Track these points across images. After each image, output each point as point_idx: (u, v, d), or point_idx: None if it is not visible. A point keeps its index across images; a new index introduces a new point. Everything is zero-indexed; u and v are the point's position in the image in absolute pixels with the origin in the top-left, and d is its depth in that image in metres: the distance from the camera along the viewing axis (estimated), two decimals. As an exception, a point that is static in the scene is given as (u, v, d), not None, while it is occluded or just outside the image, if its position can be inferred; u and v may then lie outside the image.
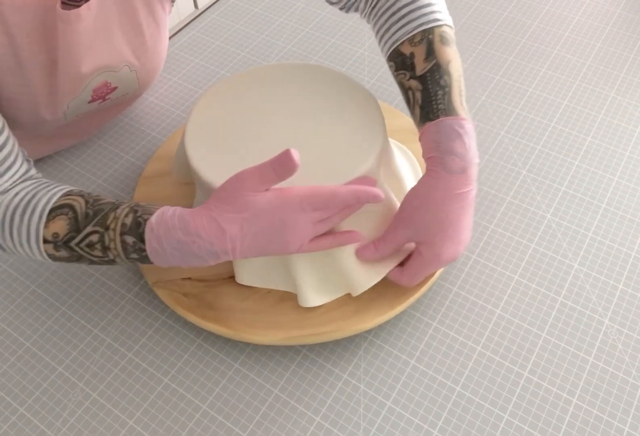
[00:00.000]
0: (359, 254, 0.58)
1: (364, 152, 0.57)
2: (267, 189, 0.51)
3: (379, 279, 0.59)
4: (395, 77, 0.61)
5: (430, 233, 0.55)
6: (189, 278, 0.63)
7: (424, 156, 0.57)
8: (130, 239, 0.52)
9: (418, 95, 0.58)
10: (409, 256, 0.61)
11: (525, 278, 0.66)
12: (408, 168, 0.69)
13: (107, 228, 0.52)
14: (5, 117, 0.63)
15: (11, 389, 0.59)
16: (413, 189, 0.57)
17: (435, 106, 0.56)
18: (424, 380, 0.59)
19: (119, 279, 0.66)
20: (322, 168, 0.56)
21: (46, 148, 0.75)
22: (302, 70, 0.64)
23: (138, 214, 0.52)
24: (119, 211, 0.53)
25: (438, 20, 0.59)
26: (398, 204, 0.61)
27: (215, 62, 0.88)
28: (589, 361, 0.60)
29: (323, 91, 0.62)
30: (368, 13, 0.65)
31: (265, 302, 0.61)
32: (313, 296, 0.59)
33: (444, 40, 0.58)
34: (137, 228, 0.51)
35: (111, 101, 0.70)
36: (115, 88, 0.68)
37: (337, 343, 0.62)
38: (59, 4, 0.54)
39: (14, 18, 0.54)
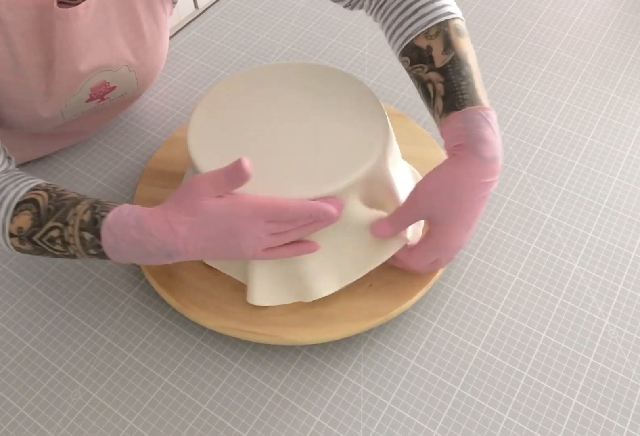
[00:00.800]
0: (373, 231, 0.58)
1: (366, 151, 0.57)
2: (220, 196, 0.51)
3: (338, 288, 0.58)
4: (411, 71, 0.60)
5: (447, 217, 0.55)
6: None
7: (447, 145, 0.56)
8: (87, 236, 0.53)
9: (440, 86, 0.57)
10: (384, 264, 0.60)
11: (525, 278, 0.66)
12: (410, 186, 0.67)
13: (66, 224, 0.53)
14: (3, 115, 0.63)
15: (11, 389, 0.59)
16: (436, 170, 0.55)
17: (460, 96, 0.56)
18: (424, 380, 0.59)
19: (119, 279, 0.66)
20: (323, 167, 0.56)
21: (46, 148, 0.75)
22: (302, 70, 0.64)
23: (96, 211, 0.53)
24: (78, 207, 0.54)
25: (451, 13, 0.59)
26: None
27: (215, 62, 0.88)
28: (589, 361, 0.60)
29: (324, 89, 0.62)
30: (376, 10, 0.64)
31: (221, 287, 0.62)
32: (260, 296, 0.59)
33: (459, 32, 0.59)
34: (94, 225, 0.52)
35: (110, 100, 0.70)
36: (114, 88, 0.67)
37: (337, 343, 0.62)
38: (55, 2, 0.54)
39: (10, 17, 0.54)
